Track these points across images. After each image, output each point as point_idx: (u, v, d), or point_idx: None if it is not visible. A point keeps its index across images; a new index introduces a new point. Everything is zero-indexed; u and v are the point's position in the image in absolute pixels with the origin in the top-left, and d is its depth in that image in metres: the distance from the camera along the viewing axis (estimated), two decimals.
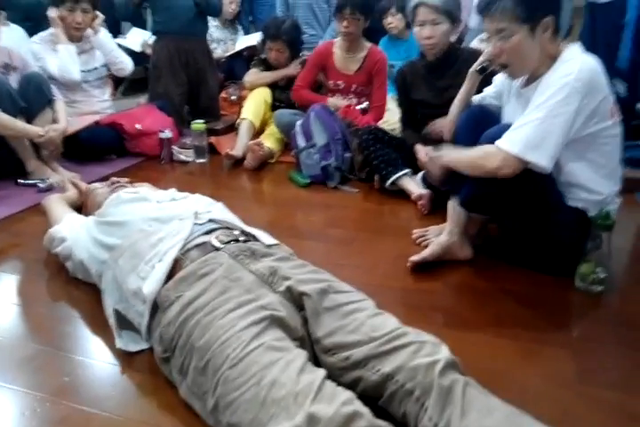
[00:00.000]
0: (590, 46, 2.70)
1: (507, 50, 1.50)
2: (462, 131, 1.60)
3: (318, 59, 2.89)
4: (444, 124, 2.16)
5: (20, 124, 2.32)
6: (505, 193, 1.52)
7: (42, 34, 2.82)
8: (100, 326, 1.35)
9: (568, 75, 1.41)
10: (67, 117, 2.52)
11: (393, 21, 3.54)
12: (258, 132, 2.95)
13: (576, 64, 1.42)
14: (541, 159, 1.42)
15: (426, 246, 1.78)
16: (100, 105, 2.97)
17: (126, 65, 3.02)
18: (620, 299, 1.56)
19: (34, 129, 2.35)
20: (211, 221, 1.35)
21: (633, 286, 1.64)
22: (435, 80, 2.27)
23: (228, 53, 4.04)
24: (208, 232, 1.30)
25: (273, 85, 3.06)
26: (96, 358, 1.26)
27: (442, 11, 2.09)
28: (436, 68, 2.25)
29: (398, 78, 2.43)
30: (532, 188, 1.49)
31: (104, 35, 2.93)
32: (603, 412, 1.12)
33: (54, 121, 2.45)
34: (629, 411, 1.13)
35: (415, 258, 1.67)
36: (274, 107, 3.02)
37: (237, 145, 2.80)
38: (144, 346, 1.25)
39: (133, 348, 1.25)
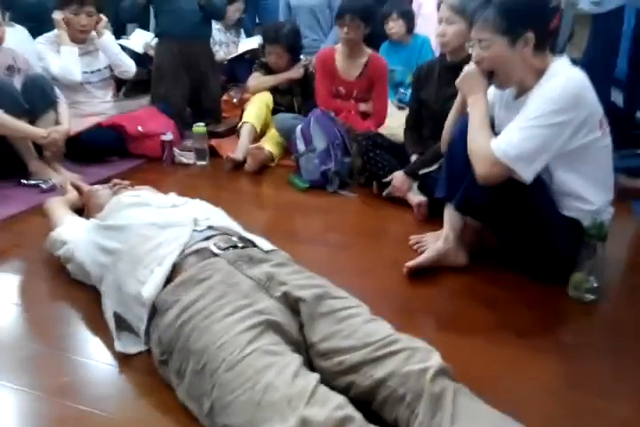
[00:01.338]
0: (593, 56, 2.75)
1: (486, 58, 1.54)
2: (458, 141, 1.63)
3: (324, 66, 2.91)
4: (400, 179, 2.23)
5: (23, 125, 2.34)
6: (498, 197, 1.54)
7: (47, 34, 2.84)
8: (99, 328, 1.37)
9: (554, 89, 1.44)
10: (69, 119, 2.54)
11: (394, 26, 3.58)
12: (259, 136, 2.97)
13: (562, 79, 1.46)
14: (526, 172, 1.46)
15: (422, 252, 1.80)
16: (102, 106, 2.99)
17: (130, 68, 3.05)
18: (611, 308, 1.59)
19: (37, 131, 2.37)
20: (210, 227, 1.37)
21: (625, 296, 1.67)
22: (443, 85, 2.24)
23: (230, 56, 4.06)
24: (207, 238, 1.32)
25: (274, 90, 3.09)
26: (95, 359, 1.29)
27: (457, 10, 2.06)
28: (449, 73, 2.17)
29: (415, 73, 2.44)
30: (525, 193, 1.51)
31: (108, 37, 2.95)
32: (590, 418, 1.15)
33: (57, 122, 2.47)
34: (618, 417, 1.15)
35: (410, 263, 1.69)
36: (275, 111, 3.04)
37: (238, 148, 2.82)
38: (142, 348, 1.27)
39: (132, 350, 1.27)
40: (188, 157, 2.84)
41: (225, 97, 3.72)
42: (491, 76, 1.59)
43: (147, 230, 1.35)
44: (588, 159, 1.54)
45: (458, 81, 1.66)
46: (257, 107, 2.99)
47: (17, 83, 2.44)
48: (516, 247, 1.70)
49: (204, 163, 2.83)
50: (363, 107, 2.93)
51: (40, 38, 2.84)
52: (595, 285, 1.56)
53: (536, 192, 1.52)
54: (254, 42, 3.95)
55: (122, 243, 1.37)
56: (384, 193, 2.33)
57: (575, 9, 2.92)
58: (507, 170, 1.46)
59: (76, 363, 1.27)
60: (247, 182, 2.65)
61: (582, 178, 1.55)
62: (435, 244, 1.76)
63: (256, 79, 3.11)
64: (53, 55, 2.78)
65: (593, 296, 1.57)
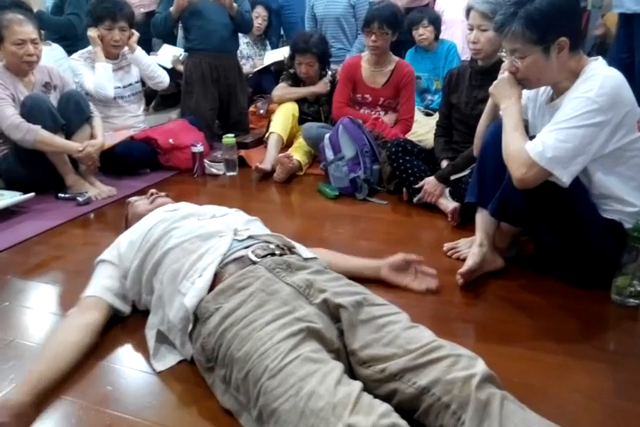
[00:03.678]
0: (626, 58, 2.68)
1: (522, 68, 1.52)
2: (490, 145, 1.61)
3: (348, 73, 2.93)
4: (433, 185, 2.22)
5: (59, 140, 2.41)
6: (536, 202, 1.52)
7: (81, 51, 2.93)
8: (140, 337, 1.38)
9: (590, 90, 1.41)
10: (103, 133, 2.60)
11: (425, 33, 3.57)
12: (286, 146, 3.00)
13: (598, 79, 1.42)
14: (563, 175, 1.43)
15: (457, 258, 1.78)
16: (133, 120, 3.05)
17: (164, 78, 3.12)
18: None
19: (73, 145, 2.43)
20: (250, 237, 1.38)
21: None
22: (474, 88, 2.25)
23: (257, 69, 4.11)
24: (246, 247, 1.33)
25: (301, 99, 3.11)
26: (137, 368, 1.30)
27: (489, 18, 2.02)
28: (481, 77, 2.21)
29: (446, 78, 2.44)
30: (563, 196, 1.48)
31: (140, 51, 3.02)
32: None
33: (92, 137, 2.54)
34: None
35: (463, 270, 1.64)
36: (301, 120, 3.07)
37: (266, 158, 2.84)
38: (180, 358, 1.29)
39: (171, 362, 1.29)
40: (218, 168, 2.88)
41: (251, 108, 3.77)
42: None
43: (188, 243, 1.36)
44: (628, 161, 1.50)
45: (491, 88, 1.64)
46: (283, 117, 3.02)
47: (53, 99, 2.52)
48: (554, 252, 1.66)
49: (233, 173, 2.87)
50: (385, 118, 2.92)
51: (75, 55, 2.93)
52: (638, 289, 1.52)
53: (575, 195, 1.49)
54: (279, 53, 4.00)
55: (164, 258, 1.37)
56: (415, 199, 2.32)
57: (612, 9, 2.88)
58: (544, 172, 1.43)
59: (119, 372, 1.29)
60: (276, 192, 2.67)
61: (623, 180, 1.52)
62: (472, 249, 1.72)
63: (281, 90, 3.14)
64: (88, 71, 2.85)
65: (637, 301, 1.53)
